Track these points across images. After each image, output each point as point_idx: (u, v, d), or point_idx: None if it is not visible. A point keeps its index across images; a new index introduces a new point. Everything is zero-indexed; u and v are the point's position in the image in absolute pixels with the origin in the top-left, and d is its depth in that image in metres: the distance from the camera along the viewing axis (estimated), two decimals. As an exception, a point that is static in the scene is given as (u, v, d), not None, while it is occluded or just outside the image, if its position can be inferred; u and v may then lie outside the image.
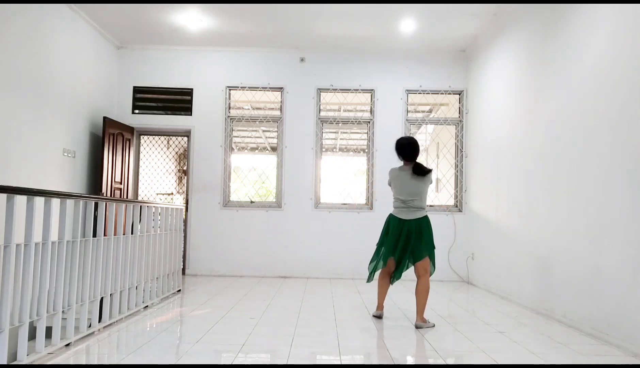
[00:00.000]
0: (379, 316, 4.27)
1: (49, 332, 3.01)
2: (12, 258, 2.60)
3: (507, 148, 5.55)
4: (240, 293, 5.42)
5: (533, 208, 4.87)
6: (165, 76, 7.16)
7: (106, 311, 3.75)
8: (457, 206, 7.04)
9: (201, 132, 7.12)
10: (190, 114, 7.15)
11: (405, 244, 4.08)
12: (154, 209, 4.77)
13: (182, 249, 5.86)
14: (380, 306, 4.32)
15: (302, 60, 7.16)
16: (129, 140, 7.00)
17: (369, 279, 4.39)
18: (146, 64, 7.18)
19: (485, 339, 3.60)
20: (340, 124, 7.32)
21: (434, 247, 4.14)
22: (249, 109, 7.73)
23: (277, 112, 7.26)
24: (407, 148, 4.14)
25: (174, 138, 9.16)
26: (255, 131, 9.63)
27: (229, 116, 7.16)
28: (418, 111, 8.08)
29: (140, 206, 4.48)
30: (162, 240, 4.93)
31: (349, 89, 7.15)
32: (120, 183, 6.77)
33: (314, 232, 6.97)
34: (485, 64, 6.34)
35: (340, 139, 10.60)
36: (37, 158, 5.24)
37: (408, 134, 7.18)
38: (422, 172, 4.08)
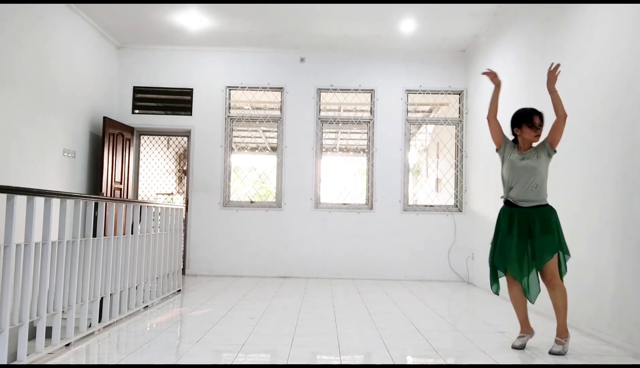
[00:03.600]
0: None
1: (49, 332, 3.00)
2: (12, 258, 2.60)
3: (507, 148, 5.54)
4: (240, 293, 5.42)
5: (533, 208, 4.86)
6: (165, 76, 7.16)
7: (106, 311, 3.75)
8: (457, 206, 7.04)
9: (201, 132, 7.12)
10: (190, 114, 7.15)
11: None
12: (154, 209, 4.77)
13: (182, 249, 5.86)
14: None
15: (302, 60, 7.16)
16: (129, 140, 7.00)
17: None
18: (146, 64, 7.18)
19: (485, 339, 3.60)
20: (340, 124, 7.32)
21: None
22: (249, 109, 7.73)
23: (277, 112, 7.26)
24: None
25: (174, 138, 9.16)
26: (255, 131, 9.63)
27: (229, 116, 7.16)
28: (418, 111, 8.08)
29: (140, 206, 4.48)
30: (162, 240, 4.93)
31: (349, 89, 7.15)
32: (120, 183, 6.77)
33: (314, 232, 6.97)
34: (485, 64, 6.33)
35: (340, 139, 10.60)
36: (37, 158, 5.24)
37: (408, 135, 7.18)
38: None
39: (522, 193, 3.29)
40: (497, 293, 3.43)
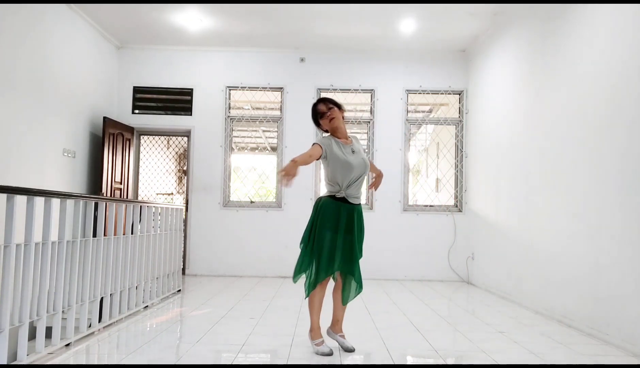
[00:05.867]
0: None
1: (49, 332, 3.01)
2: (12, 258, 2.60)
3: (507, 147, 5.55)
4: (240, 293, 5.42)
5: (533, 208, 4.87)
6: (165, 76, 7.16)
7: (106, 311, 3.75)
8: (457, 206, 7.04)
9: (201, 132, 7.12)
10: (190, 114, 7.15)
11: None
12: (154, 209, 4.77)
13: (182, 249, 5.86)
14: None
15: (302, 60, 7.15)
16: (129, 140, 7.00)
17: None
18: (146, 64, 7.18)
19: (485, 339, 3.60)
20: (340, 124, 7.30)
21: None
22: (249, 109, 7.73)
23: (277, 112, 7.26)
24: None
25: (174, 138, 9.16)
26: (255, 131, 9.64)
27: (229, 116, 7.16)
28: (418, 111, 8.08)
29: (140, 206, 4.48)
30: (162, 240, 4.93)
31: (349, 89, 7.15)
32: (120, 183, 6.77)
33: (314, 232, 6.96)
34: (485, 64, 6.34)
35: (340, 139, 10.58)
36: (37, 158, 5.24)
37: (408, 135, 7.18)
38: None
39: (355, 190, 3.17)
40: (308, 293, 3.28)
